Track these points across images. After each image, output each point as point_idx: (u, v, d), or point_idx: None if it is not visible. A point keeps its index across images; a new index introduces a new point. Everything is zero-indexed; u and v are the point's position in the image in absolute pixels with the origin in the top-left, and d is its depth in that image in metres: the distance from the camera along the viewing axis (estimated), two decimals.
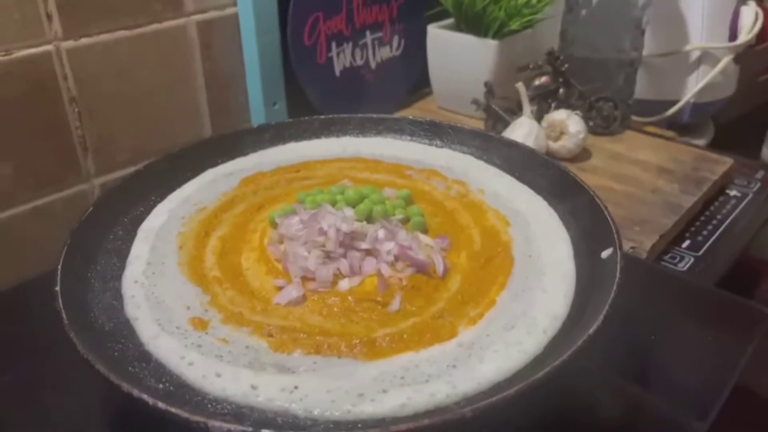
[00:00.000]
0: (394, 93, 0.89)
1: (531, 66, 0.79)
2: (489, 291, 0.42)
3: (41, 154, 0.62)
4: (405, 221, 0.48)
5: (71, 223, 0.46)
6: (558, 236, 0.47)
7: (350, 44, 0.81)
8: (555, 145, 0.73)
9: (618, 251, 0.42)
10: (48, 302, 0.39)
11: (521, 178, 0.54)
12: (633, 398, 0.46)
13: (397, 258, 0.44)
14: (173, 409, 0.31)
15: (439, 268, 0.43)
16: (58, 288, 0.39)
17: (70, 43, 0.60)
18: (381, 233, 0.45)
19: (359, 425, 0.33)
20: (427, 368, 0.36)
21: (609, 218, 0.45)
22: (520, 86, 0.74)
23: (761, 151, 1.00)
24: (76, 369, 0.35)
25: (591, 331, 0.35)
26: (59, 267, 0.41)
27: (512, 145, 0.57)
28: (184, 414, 0.31)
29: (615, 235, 0.43)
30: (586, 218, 0.47)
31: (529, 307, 0.40)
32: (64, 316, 0.37)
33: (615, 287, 0.39)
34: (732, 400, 0.44)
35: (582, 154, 0.74)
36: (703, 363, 0.49)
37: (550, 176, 0.53)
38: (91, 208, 0.47)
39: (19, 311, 0.52)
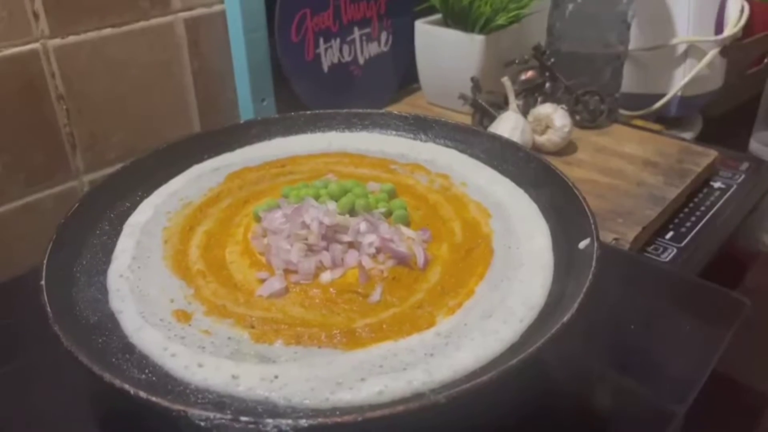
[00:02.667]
0: (382, 88, 0.89)
1: (517, 61, 0.80)
2: (468, 281, 0.43)
3: (31, 151, 0.62)
4: (388, 214, 0.49)
5: (60, 219, 0.47)
6: (537, 228, 0.48)
7: (338, 40, 0.81)
8: (541, 139, 0.73)
9: (595, 241, 0.42)
10: (36, 297, 0.39)
11: (503, 171, 0.55)
12: (614, 384, 0.47)
13: (378, 250, 0.45)
14: (154, 398, 0.32)
15: (420, 260, 0.44)
16: (43, 282, 0.40)
17: (57, 41, 0.61)
18: (363, 226, 0.45)
19: (337, 412, 0.34)
20: (405, 357, 0.37)
21: (587, 209, 0.45)
22: (506, 81, 0.74)
23: (749, 145, 1.01)
24: (65, 362, 0.36)
25: (565, 319, 0.36)
26: (45, 262, 0.42)
27: (495, 138, 0.58)
28: (165, 403, 0.32)
29: (592, 226, 0.44)
30: (565, 210, 0.48)
31: (507, 297, 0.41)
32: (48, 309, 0.38)
33: (590, 276, 0.39)
34: (711, 385, 0.45)
35: (568, 148, 0.75)
36: (684, 350, 0.50)
37: (531, 169, 0.53)
38: (77, 204, 0.48)
39: (9, 306, 0.53)
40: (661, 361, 0.49)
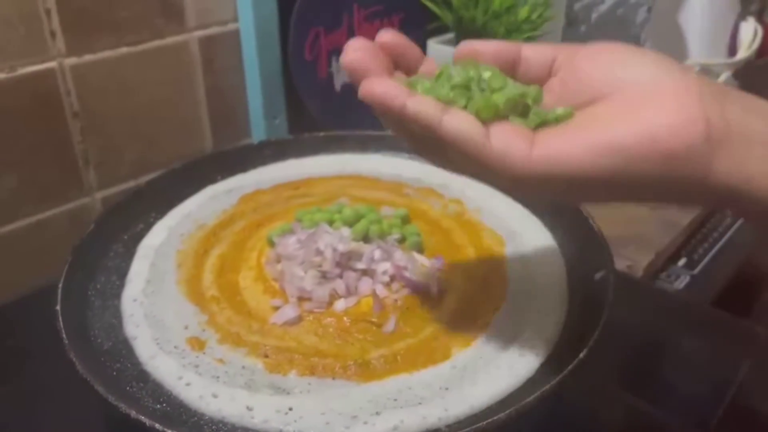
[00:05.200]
0: None
1: None
2: (483, 312, 0.43)
3: (44, 167, 0.63)
4: (402, 240, 0.49)
5: (73, 236, 0.47)
6: (552, 257, 0.48)
7: None
8: None
9: (610, 274, 0.42)
10: (49, 315, 0.40)
11: (517, 198, 0.55)
12: (631, 413, 0.47)
13: (392, 278, 0.44)
14: (169, 431, 0.32)
15: (434, 289, 0.44)
16: (58, 307, 0.40)
17: (73, 60, 0.61)
18: (377, 253, 0.45)
19: None
20: (420, 391, 0.37)
21: (602, 241, 0.45)
22: None
23: None
24: (75, 382, 0.36)
25: (581, 355, 0.36)
26: (60, 286, 0.42)
27: None
28: None
29: (608, 258, 0.44)
30: (580, 239, 0.48)
31: (523, 329, 0.41)
32: (64, 335, 0.38)
33: (606, 311, 0.39)
34: (728, 414, 0.45)
35: None
36: (700, 379, 0.50)
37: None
38: (92, 226, 0.48)
39: (21, 323, 0.53)
40: (677, 391, 0.48)
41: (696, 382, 0.49)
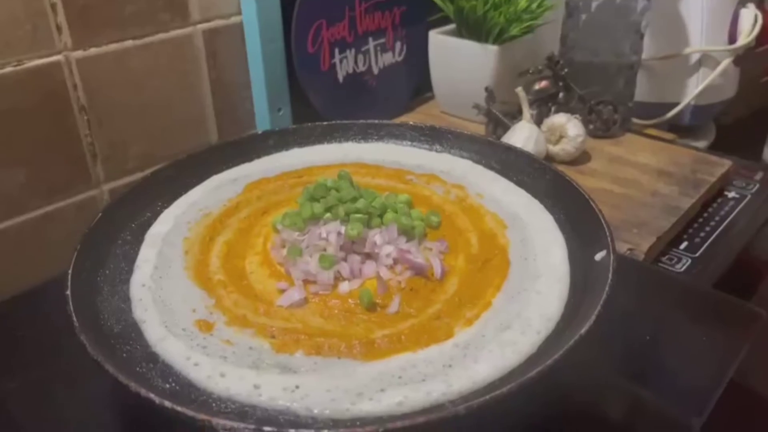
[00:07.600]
0: (396, 98, 0.90)
1: (531, 70, 0.80)
2: (485, 293, 0.43)
3: (52, 161, 0.64)
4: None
5: (81, 228, 0.48)
6: (553, 239, 0.48)
7: (353, 51, 0.82)
8: (555, 149, 0.74)
9: (611, 254, 0.43)
10: (59, 306, 0.40)
11: (519, 182, 0.55)
12: (630, 396, 0.47)
13: (396, 261, 0.45)
14: (179, 408, 0.33)
15: (437, 271, 0.45)
16: (68, 292, 0.41)
17: (79, 54, 0.62)
18: (380, 237, 0.46)
19: (357, 423, 0.34)
20: (424, 368, 0.38)
21: (603, 221, 0.46)
22: (520, 91, 0.75)
23: (762, 153, 1.00)
24: (86, 371, 0.37)
25: (582, 331, 0.36)
26: (70, 271, 0.43)
27: (510, 149, 0.59)
28: (190, 412, 0.33)
29: (608, 239, 0.44)
30: (581, 221, 0.48)
31: (524, 309, 0.42)
32: (74, 319, 0.39)
33: (607, 289, 0.40)
34: (728, 396, 0.46)
35: (582, 157, 0.75)
36: (700, 361, 0.50)
37: (546, 180, 0.54)
38: (100, 214, 0.49)
39: (30, 315, 0.53)
40: (677, 372, 0.49)
41: (696, 364, 0.50)
